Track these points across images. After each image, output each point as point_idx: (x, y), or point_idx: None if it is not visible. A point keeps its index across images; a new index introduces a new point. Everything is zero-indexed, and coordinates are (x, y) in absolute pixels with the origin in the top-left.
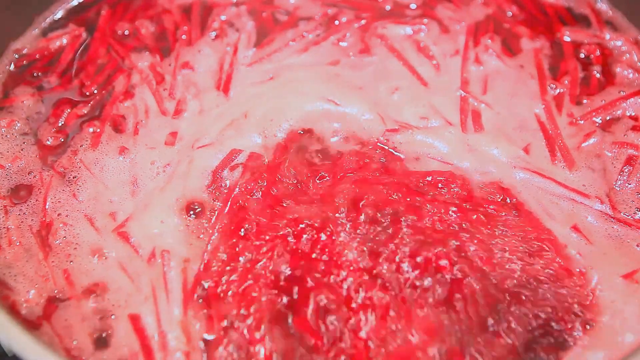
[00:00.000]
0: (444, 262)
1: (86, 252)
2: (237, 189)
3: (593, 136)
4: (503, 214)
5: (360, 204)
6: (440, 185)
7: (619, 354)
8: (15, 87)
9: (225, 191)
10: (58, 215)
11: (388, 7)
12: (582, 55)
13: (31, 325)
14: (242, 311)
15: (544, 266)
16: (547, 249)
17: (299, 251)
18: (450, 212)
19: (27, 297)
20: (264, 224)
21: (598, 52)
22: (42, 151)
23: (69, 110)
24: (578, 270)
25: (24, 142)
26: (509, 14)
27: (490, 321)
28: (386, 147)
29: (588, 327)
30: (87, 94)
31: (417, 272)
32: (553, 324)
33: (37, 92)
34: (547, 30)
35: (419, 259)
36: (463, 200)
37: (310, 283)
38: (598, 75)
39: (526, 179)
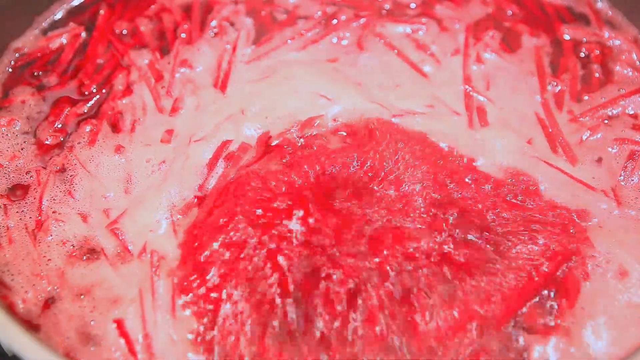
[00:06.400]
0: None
1: (79, 250)
2: (227, 179)
3: (594, 133)
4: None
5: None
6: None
7: None
8: (16, 87)
9: (216, 185)
10: (53, 212)
11: (387, 6)
12: (582, 55)
13: (29, 325)
14: (231, 311)
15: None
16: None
17: (293, 248)
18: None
19: (24, 297)
20: (255, 219)
21: (597, 51)
22: (41, 150)
23: (68, 109)
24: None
25: (24, 141)
26: (509, 12)
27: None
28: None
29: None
30: (87, 92)
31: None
32: None
33: (37, 91)
34: (547, 29)
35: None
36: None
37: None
38: (597, 75)
39: (534, 166)
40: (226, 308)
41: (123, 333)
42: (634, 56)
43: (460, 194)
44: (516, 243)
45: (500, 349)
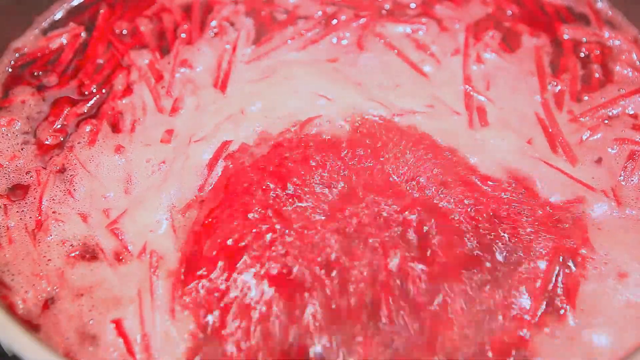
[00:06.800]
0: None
1: (79, 250)
2: (227, 180)
3: (594, 133)
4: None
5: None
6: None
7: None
8: (16, 87)
9: (215, 186)
10: (53, 212)
11: (387, 6)
12: (582, 55)
13: (29, 325)
14: (230, 312)
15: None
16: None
17: (292, 249)
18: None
19: (24, 297)
20: (253, 219)
21: (597, 51)
22: (41, 150)
23: (68, 109)
24: None
25: (24, 141)
26: (509, 12)
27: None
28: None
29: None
30: (87, 92)
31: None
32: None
33: (37, 91)
34: (547, 29)
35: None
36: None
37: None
38: (597, 75)
39: (533, 166)
40: (225, 309)
41: (122, 333)
42: (634, 56)
43: (460, 194)
44: (516, 243)
45: (500, 349)
